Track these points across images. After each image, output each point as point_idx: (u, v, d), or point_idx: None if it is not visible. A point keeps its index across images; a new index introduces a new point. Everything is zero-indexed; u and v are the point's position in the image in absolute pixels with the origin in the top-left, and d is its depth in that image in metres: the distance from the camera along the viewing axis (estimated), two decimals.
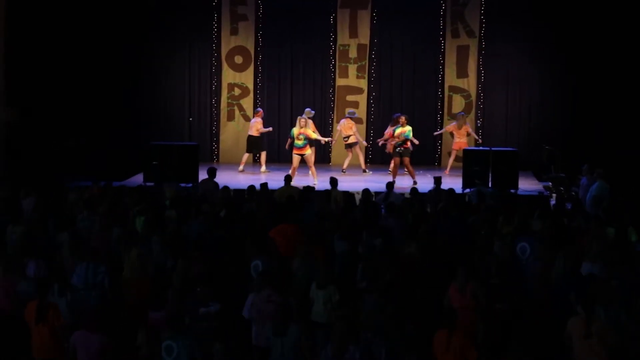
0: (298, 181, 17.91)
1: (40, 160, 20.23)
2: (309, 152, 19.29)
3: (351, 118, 21.26)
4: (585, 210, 14.70)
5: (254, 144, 21.26)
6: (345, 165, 21.21)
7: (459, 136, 21.33)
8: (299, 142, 19.16)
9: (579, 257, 10.77)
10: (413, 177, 19.47)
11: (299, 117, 19.61)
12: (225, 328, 9.19)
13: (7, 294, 9.97)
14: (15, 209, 13.55)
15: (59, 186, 16.77)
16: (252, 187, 15.72)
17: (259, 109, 21.88)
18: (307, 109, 20.86)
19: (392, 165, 19.89)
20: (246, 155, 21.41)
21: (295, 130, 19.33)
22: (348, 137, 21.08)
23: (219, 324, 9.12)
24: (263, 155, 21.41)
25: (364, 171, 21.27)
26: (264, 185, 15.70)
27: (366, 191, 15.13)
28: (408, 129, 19.42)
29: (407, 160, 19.48)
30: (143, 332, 8.67)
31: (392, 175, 19.49)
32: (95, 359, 8.56)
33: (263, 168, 21.18)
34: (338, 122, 21.86)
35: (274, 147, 22.75)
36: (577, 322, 8.79)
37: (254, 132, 21.16)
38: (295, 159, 19.23)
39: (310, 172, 19.40)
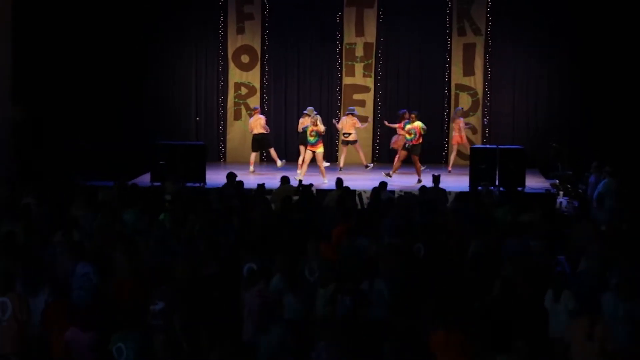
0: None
1: (47, 159, 20.24)
2: (321, 149, 19.34)
3: (352, 115, 21.19)
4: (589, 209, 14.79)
5: (260, 142, 21.25)
6: (341, 163, 21.16)
7: (456, 130, 21.35)
8: (311, 139, 19.23)
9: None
10: (419, 175, 19.47)
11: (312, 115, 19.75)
12: (170, 326, 9.24)
13: None
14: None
15: (69, 186, 16.80)
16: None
17: (257, 107, 21.82)
18: (310, 108, 20.95)
19: (396, 158, 20.01)
20: (254, 155, 21.36)
21: (308, 128, 19.41)
22: (349, 134, 21.01)
23: (163, 322, 9.16)
24: (272, 151, 21.31)
25: (366, 166, 21.20)
26: (261, 186, 15.96)
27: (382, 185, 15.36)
28: (419, 124, 19.50)
29: (415, 157, 19.54)
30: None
31: (394, 169, 19.71)
32: (86, 356, 8.72)
33: (279, 162, 20.97)
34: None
35: (281, 145, 22.69)
36: (579, 323, 8.69)
37: (259, 130, 21.09)
38: (308, 154, 19.33)
39: (319, 170, 19.46)
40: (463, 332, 8.43)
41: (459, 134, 21.26)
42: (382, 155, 23.14)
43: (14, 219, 12.70)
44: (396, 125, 20.40)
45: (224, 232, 12.30)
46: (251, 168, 21.03)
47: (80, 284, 10.32)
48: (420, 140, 19.59)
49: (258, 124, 21.07)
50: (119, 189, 15.69)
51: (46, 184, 16.53)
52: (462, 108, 22.10)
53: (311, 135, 19.20)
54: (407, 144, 19.56)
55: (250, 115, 22.27)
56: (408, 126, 19.57)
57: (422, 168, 20.09)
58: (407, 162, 20.06)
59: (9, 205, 13.81)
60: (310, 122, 19.41)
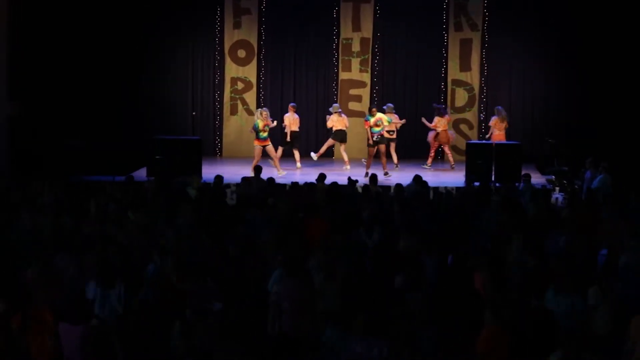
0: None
1: (44, 154, 20.22)
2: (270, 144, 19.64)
3: (392, 112, 20.98)
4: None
5: (296, 139, 20.87)
6: (396, 160, 20.95)
7: (499, 129, 21.06)
8: (263, 134, 19.35)
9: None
10: (368, 167, 19.56)
11: (260, 110, 19.90)
12: (225, 328, 9.14)
13: None
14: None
15: (69, 180, 16.81)
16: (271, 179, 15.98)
17: (294, 103, 21.46)
18: (335, 105, 21.31)
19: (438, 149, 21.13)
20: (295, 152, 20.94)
21: (260, 123, 19.39)
22: (393, 131, 20.79)
23: (218, 324, 9.05)
24: (297, 152, 20.98)
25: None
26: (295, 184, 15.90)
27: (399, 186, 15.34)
28: (383, 116, 19.71)
29: (383, 148, 19.72)
30: (178, 327, 8.62)
31: (430, 160, 20.89)
32: (79, 348, 8.63)
33: (298, 165, 20.84)
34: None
35: (277, 139, 22.60)
36: None
37: (296, 128, 20.83)
38: (259, 150, 19.43)
39: (273, 164, 19.72)
40: (513, 331, 8.25)
41: (501, 132, 20.98)
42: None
43: (39, 212, 12.67)
44: (434, 124, 21.00)
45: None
46: (298, 165, 20.83)
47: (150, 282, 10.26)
48: (384, 133, 19.88)
49: (296, 122, 20.88)
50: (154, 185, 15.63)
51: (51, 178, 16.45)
52: (502, 108, 21.73)
53: (264, 131, 19.33)
54: (375, 137, 19.56)
55: (247, 112, 22.34)
56: (372, 119, 19.52)
57: (429, 166, 20.80)
58: (418, 157, 20.63)
59: (30, 198, 13.73)
60: (260, 117, 19.42)
